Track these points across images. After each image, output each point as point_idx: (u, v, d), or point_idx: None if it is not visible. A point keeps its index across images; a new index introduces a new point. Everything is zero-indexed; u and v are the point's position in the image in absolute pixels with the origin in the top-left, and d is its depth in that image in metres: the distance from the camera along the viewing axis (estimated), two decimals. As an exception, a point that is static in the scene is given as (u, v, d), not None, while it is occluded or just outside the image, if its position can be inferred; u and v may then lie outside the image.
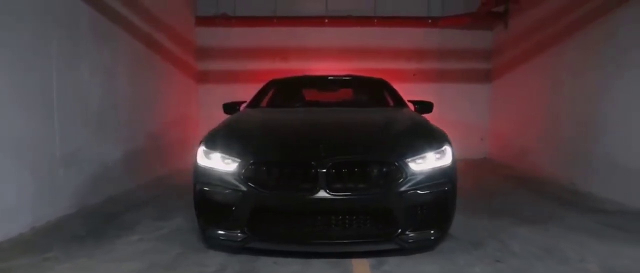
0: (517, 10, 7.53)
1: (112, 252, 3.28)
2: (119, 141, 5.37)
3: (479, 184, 6.09)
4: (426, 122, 3.72)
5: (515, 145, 7.57)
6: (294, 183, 2.95)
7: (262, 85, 8.30)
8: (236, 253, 3.17)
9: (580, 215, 4.32)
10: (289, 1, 8.73)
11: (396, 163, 3.01)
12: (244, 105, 4.83)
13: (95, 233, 3.74)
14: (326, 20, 8.59)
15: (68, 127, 4.30)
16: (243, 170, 3.01)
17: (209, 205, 3.14)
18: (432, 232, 3.13)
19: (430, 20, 8.65)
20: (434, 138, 3.32)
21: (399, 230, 2.99)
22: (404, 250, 3.11)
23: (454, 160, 3.25)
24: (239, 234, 3.02)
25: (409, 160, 3.05)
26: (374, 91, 5.10)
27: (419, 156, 3.10)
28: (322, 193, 2.89)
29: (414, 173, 3.02)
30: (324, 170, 2.89)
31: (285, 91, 5.18)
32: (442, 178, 3.13)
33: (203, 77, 8.70)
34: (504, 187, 5.91)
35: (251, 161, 3.02)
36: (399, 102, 4.76)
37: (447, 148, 3.25)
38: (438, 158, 3.17)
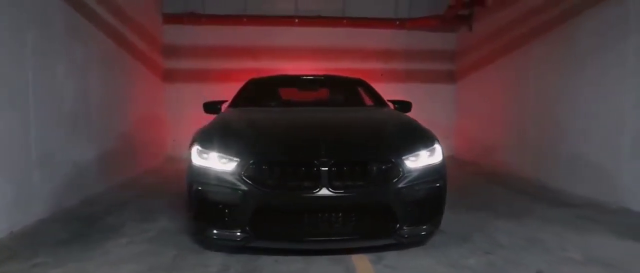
0: (481, 13, 7.85)
1: (104, 255, 3.18)
2: (91, 141, 5.18)
3: (452, 181, 6.17)
4: (415, 121, 3.84)
5: (481, 144, 7.90)
6: (296, 181, 2.97)
7: (231, 85, 8.28)
8: (235, 253, 3.16)
9: (552, 208, 4.59)
10: (259, 0, 8.68)
11: (394, 161, 3.10)
12: (225, 104, 4.79)
13: (79, 237, 3.60)
14: (296, 20, 8.61)
15: (43, 127, 4.12)
16: (243, 170, 3.00)
17: (207, 205, 3.10)
18: (425, 226, 3.23)
19: (397, 22, 8.86)
20: (425, 137, 3.45)
21: (397, 226, 3.08)
22: (401, 244, 3.21)
23: (444, 158, 3.38)
24: (240, 233, 3.01)
25: (405, 158, 3.15)
26: (355, 90, 5.19)
27: (413, 154, 3.21)
28: (324, 191, 2.93)
29: (410, 171, 3.12)
30: (326, 169, 2.94)
31: (267, 91, 5.19)
32: (435, 175, 3.25)
33: (170, 76, 8.51)
34: (476, 184, 6.16)
35: (252, 160, 3.02)
36: (380, 101, 4.87)
37: (438, 147, 3.38)
38: (429, 156, 3.28)
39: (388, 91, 7.09)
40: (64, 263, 3.01)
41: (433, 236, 3.48)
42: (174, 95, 8.53)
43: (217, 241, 3.15)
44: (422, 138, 3.42)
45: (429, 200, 3.23)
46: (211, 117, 8.73)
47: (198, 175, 3.15)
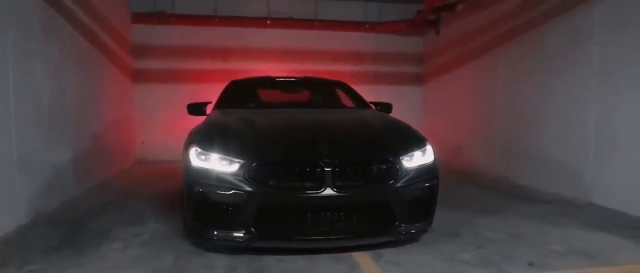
0: (448, 18, 8.15)
1: (101, 260, 3.11)
2: (68, 143, 5.01)
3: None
4: (404, 122, 3.98)
5: (448, 143, 8.19)
6: (300, 182, 3.03)
7: (203, 86, 8.26)
8: (237, 254, 3.18)
9: (525, 205, 4.87)
10: (230, 1, 8.63)
11: (392, 161, 3.22)
12: (210, 105, 4.76)
13: (69, 242, 3.50)
14: (268, 22, 8.62)
15: (24, 128, 3.97)
16: (247, 171, 3.03)
17: (209, 206, 3.10)
18: (420, 224, 3.38)
19: (368, 25, 9.05)
20: (417, 138, 3.60)
21: (396, 223, 3.20)
22: (398, 241, 3.33)
23: (436, 158, 3.54)
24: (244, 234, 3.03)
25: (402, 158, 3.28)
26: (339, 92, 5.29)
27: (408, 154, 3.34)
28: (328, 191, 3.01)
29: (407, 170, 3.25)
30: (330, 169, 3.01)
31: (253, 92, 5.20)
32: (428, 174, 3.40)
33: (139, 77, 8.30)
34: (449, 183, 6.34)
35: (256, 161, 3.05)
36: (363, 103, 4.99)
37: (429, 147, 3.54)
38: (423, 156, 3.43)
39: (359, 92, 7.28)
40: (62, 270, 2.92)
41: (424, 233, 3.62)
42: (143, 96, 8.33)
43: (220, 242, 3.15)
44: (414, 139, 3.56)
45: (424, 199, 3.38)
46: (186, 119, 8.69)
47: (199, 177, 3.14)
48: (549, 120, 5.55)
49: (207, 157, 3.17)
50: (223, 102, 4.75)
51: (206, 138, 3.38)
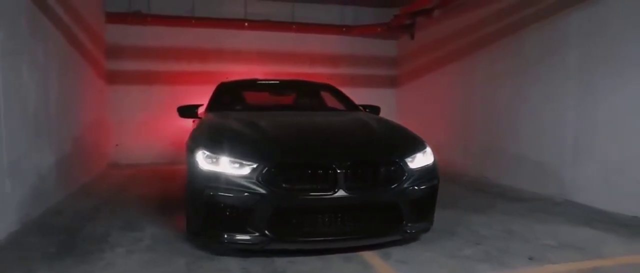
0: (423, 23, 8.39)
1: (110, 267, 3.04)
2: (51, 146, 4.83)
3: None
4: (402, 125, 4.10)
5: (424, 145, 8.41)
6: (313, 184, 3.08)
7: (179, 88, 8.15)
8: (248, 256, 3.19)
9: (509, 203, 5.10)
10: (207, 2, 8.53)
11: (400, 163, 3.33)
12: (202, 107, 4.72)
13: (68, 249, 3.39)
14: (246, 24, 8.59)
15: (12, 132, 3.81)
16: (260, 173, 3.05)
17: (221, 210, 3.09)
18: (424, 223, 3.50)
19: (344, 28, 9.17)
20: (417, 140, 3.73)
21: (403, 222, 3.30)
22: (403, 240, 3.45)
23: (435, 159, 3.67)
24: (259, 236, 3.04)
25: (407, 159, 3.39)
26: (329, 95, 5.36)
27: (411, 156, 3.46)
28: (340, 193, 3.07)
29: (412, 171, 3.36)
30: (343, 171, 3.08)
31: (247, 95, 5.20)
32: (431, 174, 3.53)
33: (114, 78, 8.06)
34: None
35: (269, 164, 3.07)
36: (353, 105, 5.08)
37: (429, 149, 3.67)
38: (424, 158, 3.56)
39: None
40: (71, 277, 2.85)
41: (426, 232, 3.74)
42: (117, 97, 8.11)
43: (232, 245, 3.15)
44: (415, 141, 3.69)
45: (426, 198, 3.50)
46: (162, 121, 8.54)
47: (210, 180, 3.12)
48: (527, 122, 5.83)
49: (216, 160, 3.17)
50: (216, 104, 4.72)
51: (213, 141, 3.37)
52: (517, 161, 5.98)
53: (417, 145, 3.60)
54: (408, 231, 3.36)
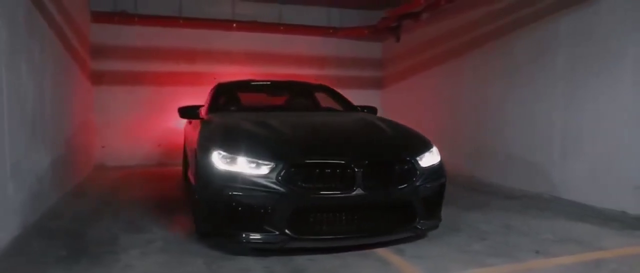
0: (409, 25, 8.55)
1: (129, 269, 3.01)
2: (47, 147, 4.72)
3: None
4: (407, 126, 4.21)
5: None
6: (332, 182, 3.15)
7: (167, 89, 8.08)
8: (265, 256, 3.21)
9: (503, 200, 5.28)
10: (195, 2, 8.46)
11: (412, 161, 3.43)
12: (203, 108, 4.70)
13: (80, 253, 3.32)
14: (234, 25, 8.56)
15: (14, 133, 3.72)
16: (280, 173, 3.09)
17: (239, 210, 3.11)
18: (433, 220, 3.61)
19: (331, 30, 9.26)
20: (424, 140, 3.85)
21: (416, 219, 3.40)
22: (415, 237, 3.55)
23: (441, 158, 3.79)
24: (279, 235, 3.08)
25: (418, 158, 3.50)
26: (327, 96, 5.42)
27: (420, 155, 3.57)
28: (358, 191, 3.15)
29: (423, 170, 3.47)
30: (360, 169, 3.15)
31: (248, 95, 5.20)
32: (439, 173, 3.65)
33: (99, 78, 7.90)
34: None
35: (288, 163, 3.12)
36: (352, 106, 5.17)
37: (435, 148, 3.79)
38: (432, 157, 3.68)
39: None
40: (91, 279, 2.82)
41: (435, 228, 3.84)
42: (103, 98, 7.95)
43: (251, 245, 3.18)
44: (422, 141, 3.82)
45: (436, 196, 3.62)
46: (150, 123, 8.45)
47: (228, 180, 3.14)
48: (516, 123, 6.03)
49: (233, 160, 3.19)
50: (217, 105, 4.73)
51: (228, 141, 3.38)
52: (507, 161, 6.18)
53: (424, 145, 3.72)
54: (420, 228, 3.46)
